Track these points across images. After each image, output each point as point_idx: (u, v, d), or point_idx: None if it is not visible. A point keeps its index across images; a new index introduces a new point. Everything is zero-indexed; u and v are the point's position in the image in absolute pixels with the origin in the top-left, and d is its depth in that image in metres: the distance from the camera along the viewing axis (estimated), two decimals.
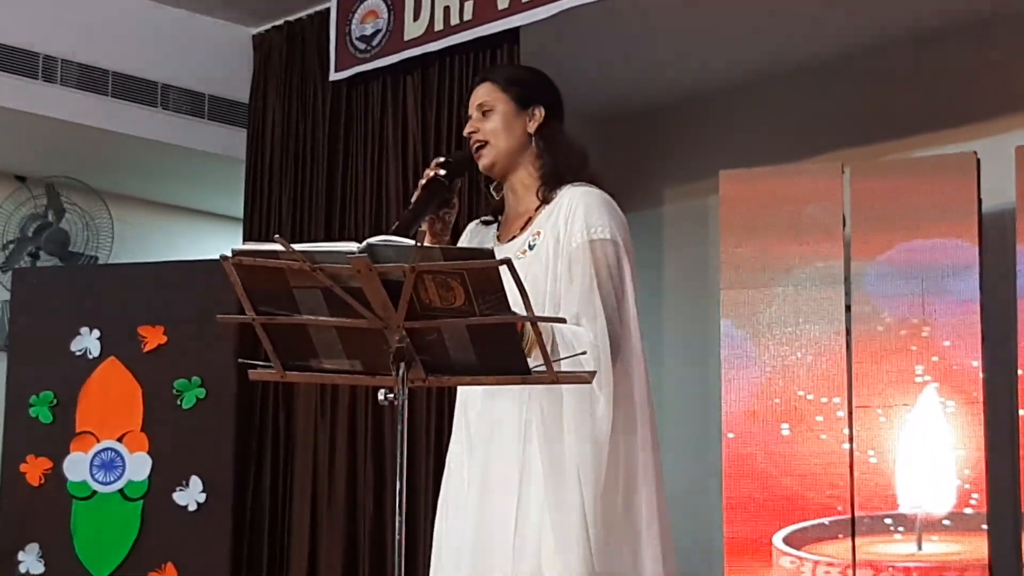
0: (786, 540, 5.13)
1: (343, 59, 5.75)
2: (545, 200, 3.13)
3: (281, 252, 2.37)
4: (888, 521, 5.01)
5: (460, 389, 3.11)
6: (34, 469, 5.37)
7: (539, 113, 3.17)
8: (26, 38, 5.65)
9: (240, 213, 6.10)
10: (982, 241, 5.07)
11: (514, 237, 3.14)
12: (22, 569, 5.31)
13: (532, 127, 3.16)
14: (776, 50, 6.09)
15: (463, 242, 3.27)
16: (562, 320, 2.63)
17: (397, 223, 2.95)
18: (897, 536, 5.01)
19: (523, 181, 3.17)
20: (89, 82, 5.80)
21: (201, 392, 5.38)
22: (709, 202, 6.25)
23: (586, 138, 7.02)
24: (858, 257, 5.21)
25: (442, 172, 3.07)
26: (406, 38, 5.48)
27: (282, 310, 2.42)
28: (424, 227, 3.10)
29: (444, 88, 5.38)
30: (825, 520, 5.08)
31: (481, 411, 3.03)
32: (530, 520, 2.88)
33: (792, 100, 6.34)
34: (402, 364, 2.39)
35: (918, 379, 5.08)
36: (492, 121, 3.15)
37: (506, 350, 2.36)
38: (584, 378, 2.46)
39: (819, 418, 5.18)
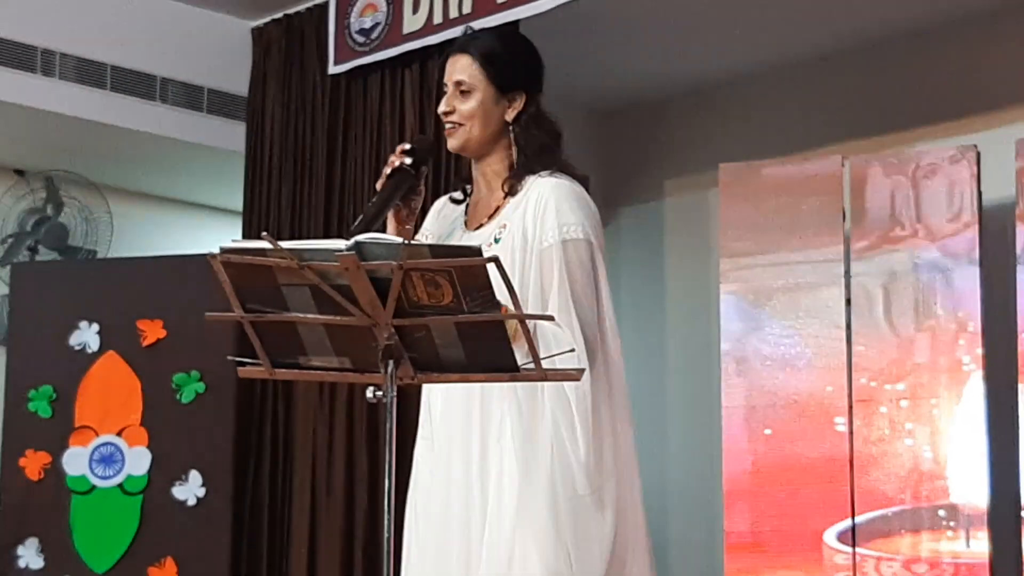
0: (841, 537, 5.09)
1: (342, 52, 5.74)
2: (511, 191, 3.01)
3: (269, 250, 2.36)
4: (936, 515, 4.99)
5: (424, 385, 3.01)
6: (33, 463, 5.37)
7: (519, 101, 3.04)
8: (24, 32, 5.63)
9: (239, 207, 6.09)
10: (982, 235, 5.05)
11: (481, 225, 3.04)
12: (21, 564, 5.31)
13: (511, 115, 3.04)
14: (776, 43, 6.08)
15: (430, 219, 3.17)
16: (550, 318, 2.59)
17: (362, 216, 2.86)
18: (949, 533, 4.98)
19: (493, 167, 3.07)
20: (88, 76, 5.79)
21: (200, 386, 5.37)
22: (709, 195, 6.24)
23: (586, 131, 7.08)
24: (859, 250, 5.20)
25: (407, 160, 2.96)
26: (405, 31, 5.47)
27: (270, 308, 2.41)
28: (390, 215, 3.01)
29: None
30: (889, 512, 5.03)
31: (444, 410, 2.96)
32: (502, 526, 2.82)
33: (792, 93, 6.33)
34: (391, 361, 2.38)
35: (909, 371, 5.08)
36: (470, 103, 3.02)
37: (494, 347, 2.35)
38: (573, 376, 2.44)
39: (821, 411, 5.17)
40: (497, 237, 2.96)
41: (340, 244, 2.34)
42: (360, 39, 5.66)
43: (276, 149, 5.95)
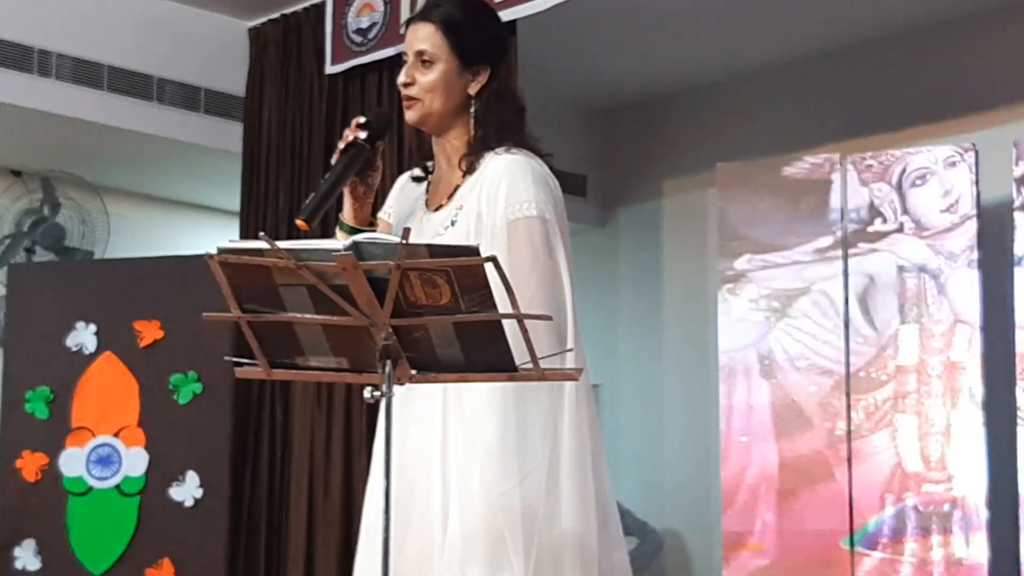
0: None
1: (339, 52, 5.73)
2: (469, 169, 2.83)
3: (266, 250, 2.34)
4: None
5: None
6: (30, 465, 5.36)
7: (483, 75, 2.84)
8: (21, 32, 5.63)
9: (236, 207, 6.09)
10: (981, 234, 5.05)
11: (441, 206, 2.87)
12: (18, 565, 5.29)
13: (474, 89, 2.84)
14: (774, 43, 6.08)
15: (393, 196, 3.01)
16: (548, 317, 2.54)
17: (314, 192, 2.75)
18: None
19: (453, 143, 2.87)
20: (84, 76, 5.78)
21: (198, 387, 5.36)
22: (707, 194, 6.24)
23: (584, 131, 7.07)
24: (858, 249, 5.20)
25: (362, 135, 2.79)
26: (402, 31, 5.45)
27: (268, 308, 2.40)
28: (346, 192, 2.89)
29: None
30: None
31: (404, 401, 2.69)
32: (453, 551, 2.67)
33: (790, 93, 6.34)
34: (388, 361, 2.37)
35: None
36: (431, 75, 2.81)
37: (492, 347, 2.34)
38: (571, 375, 2.43)
39: (817, 411, 5.17)
40: (454, 220, 2.81)
41: (338, 244, 2.33)
42: (357, 39, 5.65)
43: (273, 149, 5.95)
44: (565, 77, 6.44)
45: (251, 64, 6.13)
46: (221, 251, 2.38)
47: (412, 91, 2.83)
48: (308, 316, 2.39)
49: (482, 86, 2.85)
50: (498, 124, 2.85)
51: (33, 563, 5.31)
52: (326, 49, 5.78)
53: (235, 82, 6.13)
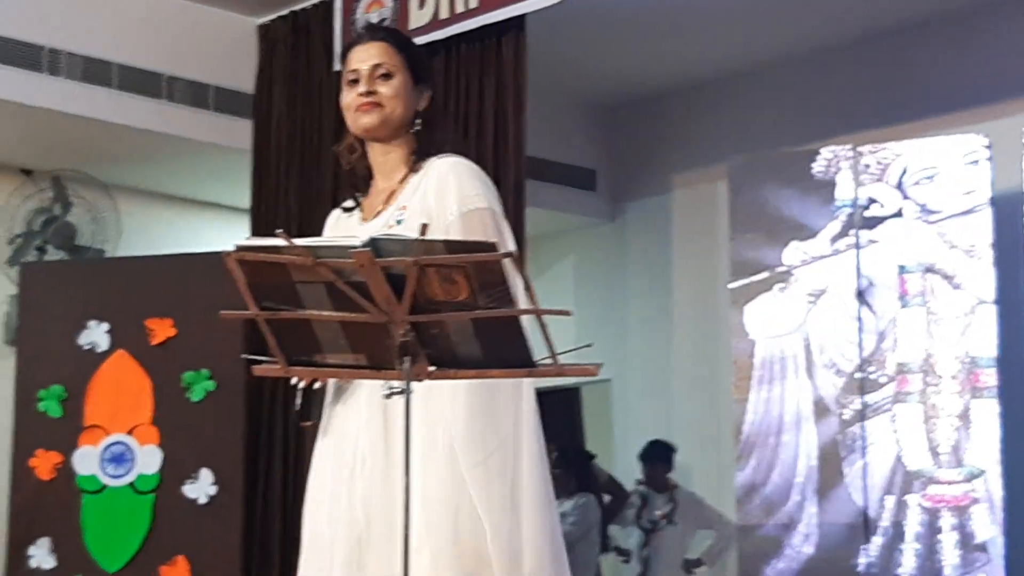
0: None
1: None
2: (412, 170, 2.98)
3: (283, 247, 2.35)
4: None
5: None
6: (44, 463, 5.36)
7: (427, 96, 3.03)
8: (30, 31, 5.64)
9: (247, 204, 6.09)
10: (994, 224, 5.06)
11: (379, 213, 2.98)
12: (33, 564, 5.30)
13: (421, 105, 3.01)
14: (783, 36, 6.08)
15: (326, 232, 3.09)
16: (567, 313, 2.54)
17: None
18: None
19: (395, 153, 3.01)
20: (94, 74, 5.79)
21: (211, 384, 5.36)
22: (717, 188, 6.24)
23: (593, 126, 7.07)
24: (870, 240, 5.20)
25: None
26: (411, 26, 5.46)
27: (285, 305, 2.40)
28: None
29: (451, 77, 5.36)
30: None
31: (342, 408, 2.86)
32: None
33: (799, 86, 6.34)
34: (407, 358, 2.37)
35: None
36: (392, 85, 2.98)
37: (510, 342, 2.34)
38: (589, 370, 2.43)
39: (833, 404, 5.17)
40: (399, 219, 2.90)
41: (355, 241, 2.33)
42: None
43: (283, 146, 5.95)
44: (574, 72, 6.43)
45: (260, 61, 6.13)
46: (238, 248, 2.38)
47: (374, 98, 2.98)
48: (326, 313, 2.39)
49: (427, 106, 3.01)
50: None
51: (48, 561, 5.32)
52: (335, 45, 5.78)
53: (244, 79, 6.13)
